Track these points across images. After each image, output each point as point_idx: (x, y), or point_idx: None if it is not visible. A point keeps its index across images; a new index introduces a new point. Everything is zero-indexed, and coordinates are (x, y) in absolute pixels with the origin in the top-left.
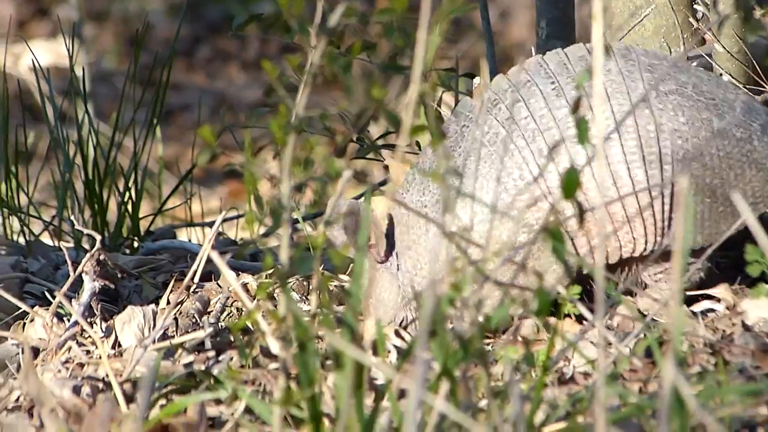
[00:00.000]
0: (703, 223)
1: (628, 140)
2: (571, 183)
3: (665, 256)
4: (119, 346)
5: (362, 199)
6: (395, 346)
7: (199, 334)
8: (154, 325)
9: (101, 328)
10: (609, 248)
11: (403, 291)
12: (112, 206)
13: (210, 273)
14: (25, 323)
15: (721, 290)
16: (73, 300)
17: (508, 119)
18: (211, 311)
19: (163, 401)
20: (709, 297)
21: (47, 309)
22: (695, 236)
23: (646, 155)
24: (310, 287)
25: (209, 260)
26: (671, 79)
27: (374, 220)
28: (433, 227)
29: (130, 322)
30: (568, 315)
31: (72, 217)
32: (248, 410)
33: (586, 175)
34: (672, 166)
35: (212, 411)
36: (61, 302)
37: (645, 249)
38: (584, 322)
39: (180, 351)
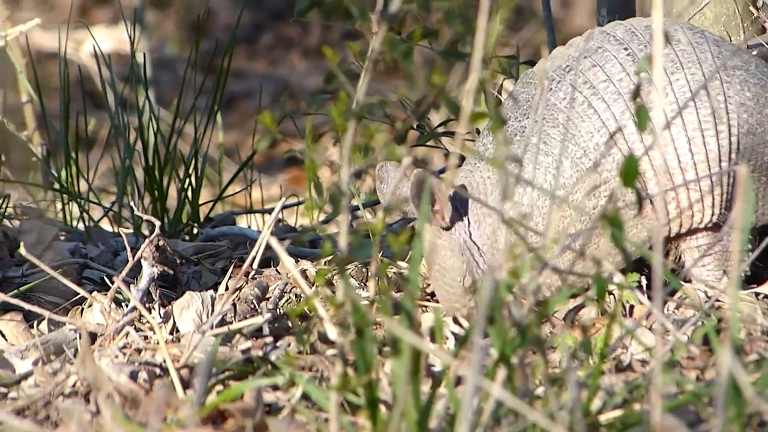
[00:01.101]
0: (757, 202)
1: (702, 109)
2: (630, 170)
3: (715, 227)
4: (177, 331)
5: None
6: (453, 333)
7: (257, 320)
8: (212, 311)
9: (159, 314)
10: (682, 217)
11: (483, 257)
12: (172, 193)
13: (269, 259)
14: (83, 309)
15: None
16: (131, 285)
17: (586, 83)
18: (270, 297)
19: (220, 387)
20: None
21: (105, 294)
22: (751, 215)
23: (717, 125)
24: (369, 274)
25: (268, 247)
26: (736, 55)
27: (437, 185)
28: None
29: (189, 307)
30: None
31: (132, 204)
32: (305, 396)
33: (665, 141)
34: (738, 139)
35: (269, 397)
36: (119, 288)
37: (711, 220)
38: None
39: (237, 337)
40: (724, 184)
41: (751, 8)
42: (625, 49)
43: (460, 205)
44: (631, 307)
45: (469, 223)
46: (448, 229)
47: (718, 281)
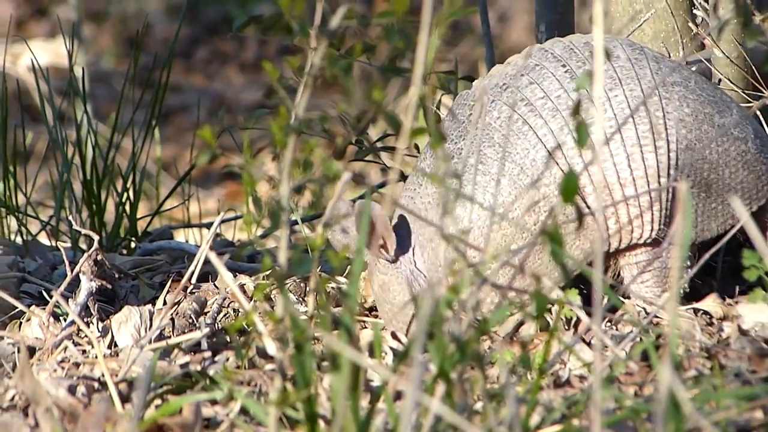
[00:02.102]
0: (696, 218)
1: (640, 125)
2: (570, 187)
3: (654, 243)
4: (115, 346)
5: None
6: (391, 348)
7: (196, 335)
8: (151, 326)
9: (98, 328)
10: (622, 232)
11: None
12: (110, 207)
13: (207, 274)
14: (21, 323)
15: (709, 303)
16: (69, 300)
17: (523, 100)
18: (208, 312)
19: (158, 401)
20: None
21: (44, 308)
22: (690, 231)
23: (656, 141)
24: (308, 289)
25: (207, 261)
26: (676, 71)
27: (382, 219)
28: None
29: (127, 322)
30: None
31: (70, 217)
32: (244, 411)
33: (603, 157)
34: (676, 154)
35: (208, 411)
36: (57, 302)
37: (650, 236)
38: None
39: (176, 351)
40: (663, 200)
41: (690, 24)
42: (563, 66)
43: (403, 235)
44: (575, 321)
45: (413, 252)
46: (393, 261)
47: (656, 298)
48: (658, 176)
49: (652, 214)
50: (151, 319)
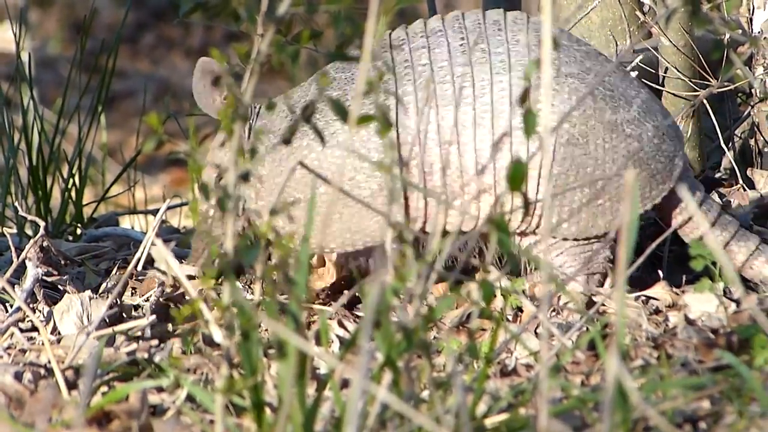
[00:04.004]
0: (579, 213)
1: (516, 116)
2: (517, 175)
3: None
4: (58, 333)
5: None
6: (338, 336)
7: (142, 322)
8: (92, 313)
9: (43, 315)
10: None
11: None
12: (56, 193)
13: (152, 261)
14: None
15: (658, 290)
16: (15, 286)
17: (406, 62)
18: (153, 299)
19: (105, 388)
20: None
21: None
22: (569, 226)
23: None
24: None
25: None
26: (575, 63)
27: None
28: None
29: (69, 311)
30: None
31: (15, 203)
32: (190, 398)
33: (465, 140)
34: (554, 148)
35: (154, 398)
36: (3, 288)
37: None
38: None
39: (121, 339)
40: (531, 189)
41: (638, 13)
42: (462, 39)
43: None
44: (519, 310)
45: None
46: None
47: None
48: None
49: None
50: (91, 306)
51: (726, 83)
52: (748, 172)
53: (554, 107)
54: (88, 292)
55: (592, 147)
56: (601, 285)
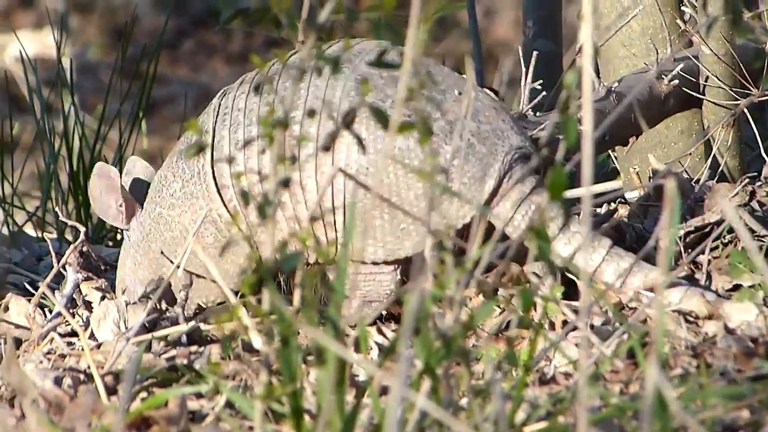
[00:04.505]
0: (384, 238)
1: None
2: (558, 181)
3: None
4: (96, 340)
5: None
6: (377, 343)
7: (181, 328)
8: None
9: (83, 320)
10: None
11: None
12: None
13: None
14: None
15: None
16: (55, 291)
17: (226, 108)
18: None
19: (144, 394)
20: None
21: (30, 300)
22: (376, 250)
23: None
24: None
25: None
26: (375, 89)
27: (117, 185)
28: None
29: (106, 317)
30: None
31: (56, 209)
32: (229, 404)
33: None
34: (344, 180)
35: (193, 405)
36: (43, 293)
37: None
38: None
39: (161, 344)
40: (337, 222)
41: (679, 21)
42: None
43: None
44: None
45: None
46: (126, 228)
47: None
48: (332, 197)
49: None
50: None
51: (767, 92)
52: None
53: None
54: (125, 298)
55: (386, 176)
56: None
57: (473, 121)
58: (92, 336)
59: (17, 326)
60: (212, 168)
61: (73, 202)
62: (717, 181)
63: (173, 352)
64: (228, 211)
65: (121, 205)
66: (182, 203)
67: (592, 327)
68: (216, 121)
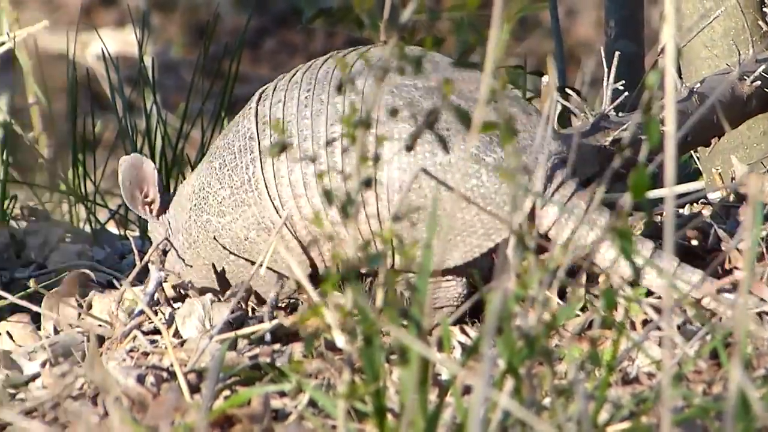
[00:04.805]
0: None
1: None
2: (640, 182)
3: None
4: (180, 338)
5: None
6: (460, 343)
7: (264, 326)
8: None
9: (166, 318)
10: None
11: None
12: None
13: None
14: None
15: None
16: (138, 289)
17: (264, 117)
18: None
19: (227, 392)
20: None
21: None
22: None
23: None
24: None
25: None
26: (409, 105)
27: (152, 178)
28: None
29: (190, 315)
30: None
31: None
32: (312, 403)
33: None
34: (387, 195)
35: (276, 403)
36: (127, 291)
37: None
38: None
39: (244, 342)
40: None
41: (761, 23)
42: (308, 91)
43: (167, 198)
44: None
45: (171, 215)
46: (155, 220)
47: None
48: (377, 217)
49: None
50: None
51: None
52: None
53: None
54: (209, 296)
55: (427, 190)
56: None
57: None
58: (176, 334)
59: (100, 324)
60: (263, 175)
61: None
62: None
63: (256, 351)
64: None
65: (151, 199)
66: (233, 211)
67: (678, 327)
68: (258, 128)
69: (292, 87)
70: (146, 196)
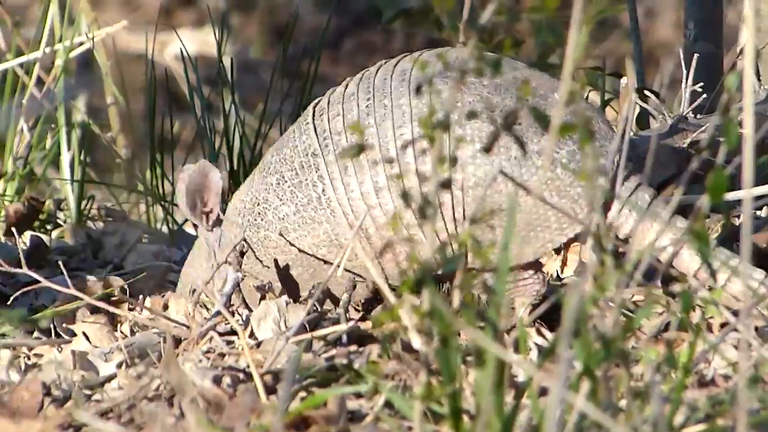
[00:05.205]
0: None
1: (425, 163)
2: (719, 184)
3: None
4: (255, 339)
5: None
6: (537, 344)
7: (341, 328)
8: (288, 318)
9: (242, 319)
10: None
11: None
12: None
13: None
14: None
15: None
16: (215, 290)
17: (324, 132)
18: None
19: (303, 393)
20: None
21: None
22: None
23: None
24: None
25: None
26: (480, 100)
27: (216, 189)
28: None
29: (266, 317)
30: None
31: None
32: (388, 404)
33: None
34: (462, 193)
35: (352, 404)
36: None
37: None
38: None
39: (320, 344)
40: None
41: None
42: (368, 99)
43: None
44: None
45: (221, 233)
46: (209, 230)
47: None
48: (452, 212)
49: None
50: (287, 312)
51: None
52: None
53: (460, 153)
54: (285, 298)
55: (503, 185)
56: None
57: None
58: (252, 335)
59: (177, 325)
60: (334, 193)
61: None
62: None
63: (332, 352)
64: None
65: (209, 209)
66: (300, 228)
67: (756, 330)
68: (320, 144)
69: (349, 98)
70: (205, 205)
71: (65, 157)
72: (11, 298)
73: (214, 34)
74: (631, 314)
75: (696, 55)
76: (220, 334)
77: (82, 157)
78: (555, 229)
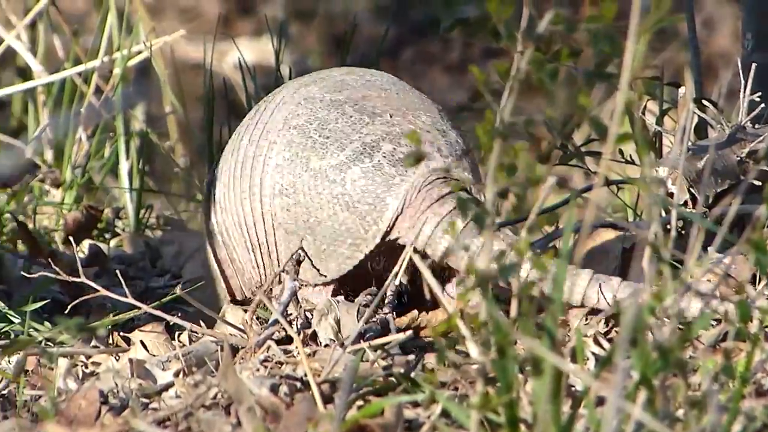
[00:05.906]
0: (311, 260)
1: (244, 175)
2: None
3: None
4: (315, 337)
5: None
6: (594, 354)
7: (399, 337)
8: (357, 320)
9: (299, 328)
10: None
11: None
12: None
13: None
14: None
15: None
16: (272, 299)
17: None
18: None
19: (360, 402)
20: None
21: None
22: (307, 272)
23: (251, 188)
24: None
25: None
26: (302, 114)
27: None
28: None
29: (327, 315)
30: None
31: None
32: (445, 413)
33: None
34: (270, 200)
35: (409, 413)
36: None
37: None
38: None
39: (378, 352)
40: (267, 248)
41: None
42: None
43: None
44: None
45: None
46: None
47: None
48: (254, 223)
49: (256, 262)
50: (358, 315)
51: None
52: None
53: (269, 161)
54: (341, 297)
55: (301, 196)
56: None
57: (392, 144)
58: (308, 344)
59: (234, 333)
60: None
61: None
62: None
63: (390, 361)
64: None
65: None
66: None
67: None
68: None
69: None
70: None
71: (123, 166)
72: (69, 307)
73: (272, 44)
74: (688, 324)
75: (754, 65)
76: (278, 342)
77: (140, 166)
78: (350, 245)
